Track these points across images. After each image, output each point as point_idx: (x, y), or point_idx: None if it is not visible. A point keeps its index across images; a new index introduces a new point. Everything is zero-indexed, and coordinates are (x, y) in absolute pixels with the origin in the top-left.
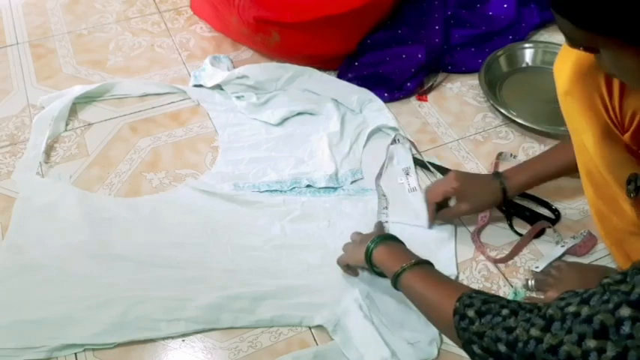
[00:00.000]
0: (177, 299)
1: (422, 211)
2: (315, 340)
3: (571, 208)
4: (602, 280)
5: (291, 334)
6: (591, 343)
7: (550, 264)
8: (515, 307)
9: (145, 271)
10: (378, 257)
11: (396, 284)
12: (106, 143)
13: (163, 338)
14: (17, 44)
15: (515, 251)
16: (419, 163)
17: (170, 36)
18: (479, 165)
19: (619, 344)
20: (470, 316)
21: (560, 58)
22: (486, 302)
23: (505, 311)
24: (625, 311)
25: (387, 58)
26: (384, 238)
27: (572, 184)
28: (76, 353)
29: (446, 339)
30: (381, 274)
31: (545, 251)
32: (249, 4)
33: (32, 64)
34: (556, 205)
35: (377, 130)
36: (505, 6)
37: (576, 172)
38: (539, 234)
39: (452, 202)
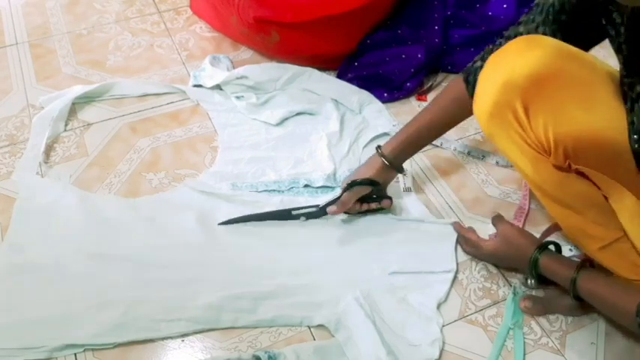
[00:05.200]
0: (177, 299)
1: (413, 210)
2: (314, 340)
3: None
4: None
5: (291, 334)
6: None
7: None
8: None
9: (145, 272)
10: (547, 265)
11: (574, 289)
12: (105, 143)
13: (163, 338)
14: (17, 44)
15: None
16: None
17: (170, 36)
18: (478, 165)
19: None
20: None
21: (476, 102)
22: None
23: None
24: None
25: (387, 58)
26: (545, 247)
27: None
28: (75, 353)
29: (447, 340)
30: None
31: None
32: (248, 4)
33: (32, 64)
34: None
35: (381, 134)
36: (505, 6)
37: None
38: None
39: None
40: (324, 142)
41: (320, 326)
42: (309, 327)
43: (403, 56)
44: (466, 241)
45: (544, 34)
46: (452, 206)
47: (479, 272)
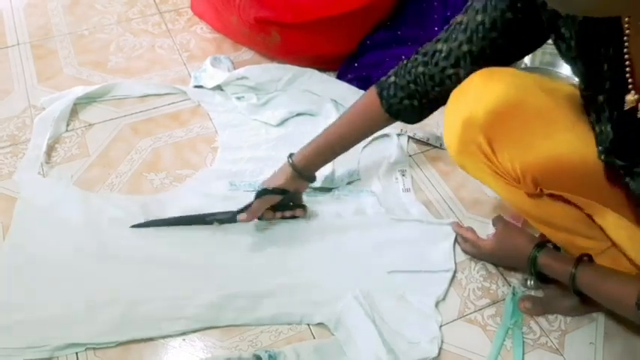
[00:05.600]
0: (178, 298)
1: (413, 211)
2: (314, 339)
3: None
4: None
5: (291, 333)
6: None
7: None
8: None
9: (146, 271)
10: (546, 263)
11: (574, 284)
12: (106, 144)
13: (164, 337)
14: (18, 45)
15: None
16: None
17: (171, 37)
18: None
19: None
20: None
21: (444, 136)
22: None
23: None
24: None
25: (387, 59)
26: (543, 245)
27: None
28: (77, 352)
29: (447, 339)
30: (540, 275)
31: None
32: (249, 5)
33: (33, 65)
34: None
35: (380, 135)
36: None
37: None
38: None
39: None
40: None
41: (320, 325)
42: (309, 326)
43: (403, 57)
44: (465, 240)
45: (469, 51)
46: (451, 206)
47: (478, 272)
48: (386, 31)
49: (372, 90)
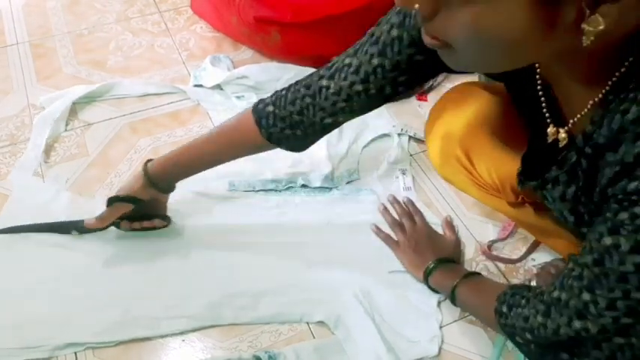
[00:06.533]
0: (177, 297)
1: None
2: (314, 338)
3: None
4: (569, 264)
5: (291, 333)
6: (577, 324)
7: (550, 262)
8: (530, 295)
9: (145, 271)
10: (435, 281)
11: (453, 300)
12: (106, 143)
13: (163, 337)
14: (17, 44)
15: (530, 250)
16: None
17: (170, 36)
18: None
19: (596, 323)
20: (504, 311)
21: (428, 150)
22: (514, 295)
23: (523, 301)
24: (586, 296)
25: None
26: (441, 262)
27: None
28: (76, 352)
29: (447, 340)
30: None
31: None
32: (249, 4)
33: (32, 64)
34: None
35: (380, 135)
36: None
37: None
38: None
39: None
40: (324, 142)
41: (320, 325)
42: (309, 326)
43: None
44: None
45: (381, 65)
46: (452, 206)
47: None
48: None
49: (249, 116)
